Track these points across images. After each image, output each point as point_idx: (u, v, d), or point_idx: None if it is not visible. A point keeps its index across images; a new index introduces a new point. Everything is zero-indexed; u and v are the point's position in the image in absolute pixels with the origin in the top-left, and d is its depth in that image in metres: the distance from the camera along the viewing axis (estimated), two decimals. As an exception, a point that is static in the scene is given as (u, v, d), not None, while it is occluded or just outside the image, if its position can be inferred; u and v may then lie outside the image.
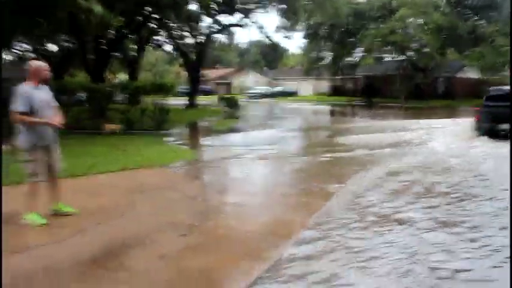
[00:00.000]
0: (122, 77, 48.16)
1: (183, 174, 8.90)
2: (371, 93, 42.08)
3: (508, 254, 4.25)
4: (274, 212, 6.17)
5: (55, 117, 5.45)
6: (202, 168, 9.80)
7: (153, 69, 73.25)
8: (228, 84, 71.70)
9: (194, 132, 18.41)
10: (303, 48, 49.93)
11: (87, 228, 5.22)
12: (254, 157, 10.67)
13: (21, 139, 5.28)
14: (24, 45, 40.65)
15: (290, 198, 6.87)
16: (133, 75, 32.85)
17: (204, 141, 15.02)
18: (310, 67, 49.05)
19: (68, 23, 20.86)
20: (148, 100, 16.84)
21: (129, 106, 16.71)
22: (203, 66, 34.80)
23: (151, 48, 42.99)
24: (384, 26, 37.73)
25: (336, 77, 52.46)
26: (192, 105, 30.73)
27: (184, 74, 51.39)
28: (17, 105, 5.11)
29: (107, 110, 18.07)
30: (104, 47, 22.41)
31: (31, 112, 5.18)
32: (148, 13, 22.81)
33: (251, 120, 23.27)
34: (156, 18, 25.90)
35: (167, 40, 35.51)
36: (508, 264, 4.04)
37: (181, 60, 42.75)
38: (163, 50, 45.45)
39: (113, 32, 18.69)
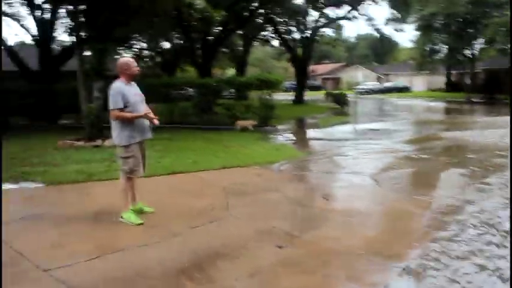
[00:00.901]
0: (231, 72, 49.30)
1: (286, 174, 8.33)
2: (493, 89, 38.00)
3: None
4: (385, 223, 5.38)
5: (149, 112, 5.24)
6: (307, 168, 9.13)
7: (261, 64, 74.10)
8: (336, 80, 70.37)
9: (300, 128, 17.74)
10: (415, 41, 46.74)
11: (178, 231, 4.87)
12: (365, 157, 9.82)
13: (117, 135, 5.12)
14: (142, 44, 43.14)
15: (405, 206, 5.98)
16: (240, 71, 33.12)
17: (311, 138, 14.38)
18: (423, 61, 45.67)
19: (177, 20, 21.46)
20: (255, 95, 16.62)
21: (235, 101, 16.62)
22: (311, 61, 34.08)
23: (258, 43, 43.38)
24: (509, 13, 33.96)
25: (452, 72, 48.66)
26: (299, 100, 30.24)
27: (292, 69, 51.37)
28: (115, 103, 4.97)
29: (213, 105, 18.26)
30: (211, 42, 22.73)
31: (126, 108, 5.04)
32: (254, 8, 22.65)
33: (360, 117, 22.12)
34: (262, 13, 25.77)
35: (274, 35, 35.44)
36: None
37: (289, 55, 42.49)
38: (270, 45, 45.59)
39: (219, 28, 18.64)
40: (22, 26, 21.39)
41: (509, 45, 34.49)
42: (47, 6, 19.00)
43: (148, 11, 19.05)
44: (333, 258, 4.22)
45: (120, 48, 40.28)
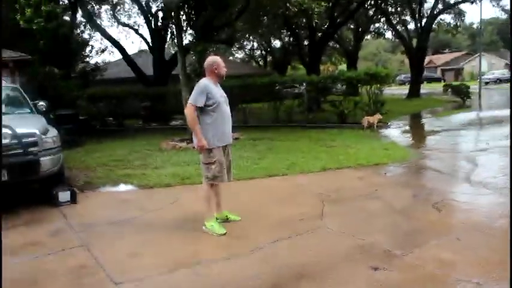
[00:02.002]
0: (344, 68, 48.09)
1: (393, 178, 7.47)
2: None
3: None
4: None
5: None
6: (418, 171, 8.09)
7: (374, 58, 71.54)
8: (457, 70, 65.35)
9: (413, 125, 16.30)
10: None
11: (263, 244, 4.39)
12: (492, 161, 8.56)
13: (206, 138, 4.73)
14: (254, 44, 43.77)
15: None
16: (352, 66, 31.94)
17: (424, 136, 13.02)
18: None
19: (283, 18, 21.16)
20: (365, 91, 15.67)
21: (344, 97, 15.80)
22: (427, 51, 31.75)
23: (371, 36, 41.69)
24: None
25: None
26: (414, 94, 28.30)
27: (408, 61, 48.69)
28: (195, 99, 4.63)
29: (322, 103, 17.61)
30: (317, 39, 22.12)
31: (210, 106, 4.67)
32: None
33: (486, 110, 19.86)
34: (372, 4, 24.48)
35: (387, 26, 33.68)
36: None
37: (403, 47, 40.17)
38: (384, 38, 43.54)
39: (324, 21, 17.87)
40: (139, 34, 22.73)
41: None
42: (160, 14, 19.91)
43: (253, 10, 19.10)
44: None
45: (232, 49, 41.40)
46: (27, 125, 6.17)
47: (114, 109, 18.37)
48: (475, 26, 76.12)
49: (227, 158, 4.95)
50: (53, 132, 6.41)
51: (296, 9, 10.43)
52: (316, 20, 15.30)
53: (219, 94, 4.80)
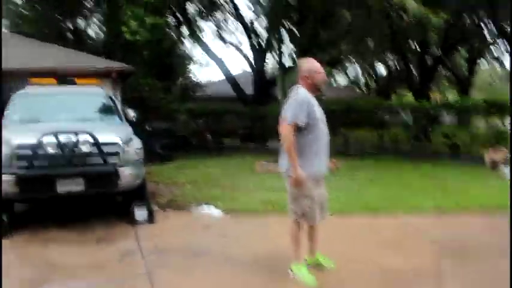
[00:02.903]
0: (451, 96, 44.78)
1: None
2: None
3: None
4: None
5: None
6: None
7: (488, 88, 66.42)
8: None
9: None
10: None
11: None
12: None
13: (288, 163, 3.80)
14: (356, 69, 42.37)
15: None
16: (464, 93, 29.39)
17: None
18: None
19: (391, 38, 19.84)
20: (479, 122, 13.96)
21: (456, 128, 14.18)
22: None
23: (486, 62, 38.37)
24: None
25: None
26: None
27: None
28: (295, 115, 3.67)
29: (430, 132, 16.00)
30: (428, 63, 20.50)
31: (308, 127, 3.74)
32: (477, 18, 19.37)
33: None
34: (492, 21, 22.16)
35: (507, 50, 30.67)
36: None
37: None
38: (501, 65, 39.90)
39: (435, 40, 16.19)
40: (241, 53, 22.69)
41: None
42: (263, 33, 19.68)
43: (359, 28, 18.09)
44: None
45: (335, 72, 40.43)
46: (111, 132, 5.76)
47: (213, 126, 18.23)
48: None
49: (320, 191, 3.98)
50: (137, 143, 5.94)
51: (410, 20, 9.23)
52: (433, 35, 13.82)
53: (319, 111, 3.89)
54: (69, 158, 5.14)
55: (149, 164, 10.85)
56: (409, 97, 35.93)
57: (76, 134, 5.19)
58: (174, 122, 15.57)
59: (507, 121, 13.46)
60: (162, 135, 12.92)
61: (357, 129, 15.96)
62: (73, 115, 6.33)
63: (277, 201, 6.73)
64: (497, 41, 27.07)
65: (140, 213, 5.53)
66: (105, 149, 5.33)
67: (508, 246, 4.75)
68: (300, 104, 3.71)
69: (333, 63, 25.29)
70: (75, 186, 5.18)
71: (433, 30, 11.63)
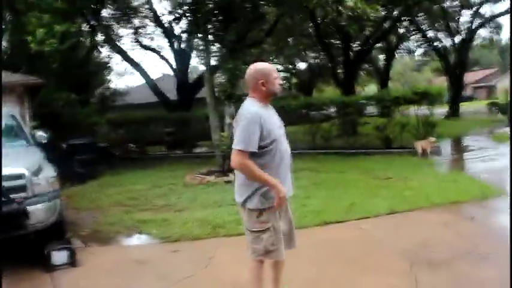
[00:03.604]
0: (370, 88, 46.29)
1: (486, 225, 5.71)
2: None
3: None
4: None
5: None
6: None
7: (401, 78, 69.51)
8: (490, 88, 62.68)
9: (472, 150, 13.74)
10: None
11: None
12: None
13: (246, 192, 3.06)
14: (278, 66, 42.63)
15: None
16: (383, 86, 30.31)
17: (494, 165, 10.46)
18: None
19: (317, 36, 19.83)
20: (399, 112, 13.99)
21: (384, 120, 14.14)
22: (465, 69, 29.88)
23: (400, 54, 40.01)
24: None
25: None
26: (453, 114, 26.40)
27: (437, 80, 46.62)
28: (247, 140, 2.93)
29: (358, 125, 15.97)
30: (352, 57, 20.74)
31: (265, 148, 3.01)
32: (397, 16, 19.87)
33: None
34: (405, 19, 22.91)
35: (418, 44, 32.05)
36: None
37: (433, 66, 38.29)
38: (413, 56, 41.83)
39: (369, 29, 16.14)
40: (162, 57, 21.59)
41: None
42: (184, 36, 18.81)
43: (284, 28, 17.81)
44: None
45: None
46: (15, 162, 4.72)
47: (136, 135, 17.10)
48: (503, 41, 73.58)
49: (286, 218, 3.26)
50: (48, 171, 4.93)
51: (349, 14, 8.87)
52: (369, 29, 13.73)
53: (276, 125, 3.14)
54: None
55: (68, 186, 9.76)
56: (329, 92, 36.62)
57: (-32, 168, 4.17)
58: (94, 136, 14.28)
59: (435, 110, 13.68)
60: (82, 151, 11.68)
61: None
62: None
63: (217, 221, 6.02)
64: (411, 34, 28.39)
65: (58, 256, 4.55)
66: (7, 183, 4.32)
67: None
68: (251, 126, 2.93)
69: (255, 62, 24.87)
70: (-30, 231, 4.14)
71: (369, 24, 11.42)
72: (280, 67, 42.10)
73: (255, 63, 3.20)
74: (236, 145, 2.94)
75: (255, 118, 2.94)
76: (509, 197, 5.26)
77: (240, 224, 5.76)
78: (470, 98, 57.15)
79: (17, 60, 14.87)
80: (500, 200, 6.72)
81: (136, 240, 5.77)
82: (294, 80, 43.39)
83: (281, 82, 3.26)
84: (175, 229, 5.77)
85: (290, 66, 38.50)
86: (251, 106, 3.04)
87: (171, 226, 5.95)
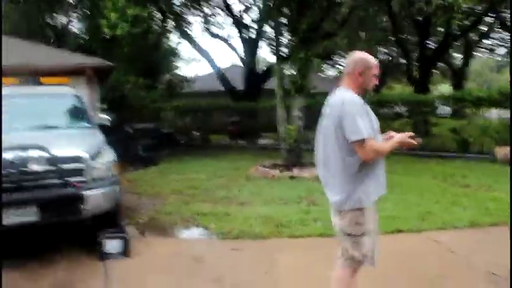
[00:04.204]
0: (443, 88, 44.02)
1: None
2: None
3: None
4: None
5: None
6: None
7: (478, 79, 65.89)
8: None
9: None
10: None
11: None
12: None
13: (349, 192, 2.70)
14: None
15: None
16: (458, 86, 28.64)
17: None
18: None
19: (392, 30, 18.93)
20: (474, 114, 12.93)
21: (461, 121, 13.15)
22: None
23: (478, 54, 37.62)
24: None
25: None
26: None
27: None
28: (364, 128, 2.61)
29: (431, 125, 14.99)
30: (429, 54, 19.57)
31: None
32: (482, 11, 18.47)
33: None
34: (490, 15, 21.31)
35: (502, 43, 29.88)
36: None
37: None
38: (494, 55, 39.18)
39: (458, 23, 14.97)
40: (231, 46, 21.46)
41: None
42: (254, 25, 18.57)
43: (357, 20, 17.02)
44: None
45: (323, 65, 39.59)
46: (73, 144, 4.56)
47: (201, 123, 17.08)
48: None
49: (375, 221, 2.86)
50: (108, 155, 4.73)
51: (440, 2, 8.11)
52: (457, 22, 12.74)
53: (375, 118, 2.83)
54: (17, 180, 3.96)
55: (131, 170, 9.76)
56: (398, 89, 35.11)
57: (25, 149, 4.01)
58: (159, 122, 14.34)
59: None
60: (146, 136, 11.71)
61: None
62: (31, 122, 5.13)
63: (281, 220, 5.60)
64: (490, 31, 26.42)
65: (111, 245, 4.33)
66: (65, 166, 4.14)
67: None
68: (362, 111, 2.66)
69: (325, 56, 24.20)
70: (27, 215, 3.99)
71: (460, 16, 10.48)
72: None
73: (355, 52, 2.90)
74: (357, 135, 2.59)
75: (364, 107, 2.69)
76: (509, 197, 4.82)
77: (305, 225, 5.38)
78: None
79: (92, 44, 15.22)
80: None
81: (194, 233, 5.49)
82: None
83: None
84: (236, 225, 5.43)
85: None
86: (351, 95, 2.71)
87: (231, 221, 5.62)
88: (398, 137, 2.75)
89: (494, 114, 13.38)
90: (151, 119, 14.01)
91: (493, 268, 4.11)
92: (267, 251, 4.62)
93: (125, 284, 3.85)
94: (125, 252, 4.39)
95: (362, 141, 2.58)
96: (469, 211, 6.09)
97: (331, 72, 47.54)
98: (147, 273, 4.07)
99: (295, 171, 8.95)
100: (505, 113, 12.34)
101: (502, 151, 11.07)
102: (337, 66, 43.89)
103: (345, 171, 2.67)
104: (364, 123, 2.61)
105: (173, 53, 20.73)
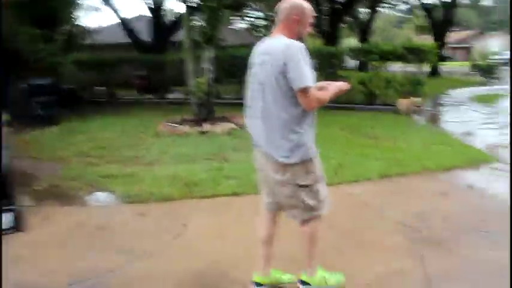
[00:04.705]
0: (351, 42, 45.37)
1: (487, 196, 5.17)
2: None
3: None
4: None
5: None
6: None
7: (382, 33, 68.66)
8: (467, 49, 62.60)
9: (460, 110, 13.03)
10: None
11: None
12: None
13: (297, 144, 2.56)
14: (257, 13, 41.36)
15: None
16: (364, 40, 29.57)
17: (485, 127, 9.94)
18: None
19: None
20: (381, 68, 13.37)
21: (368, 74, 13.49)
22: (449, 28, 29.27)
23: (383, 9, 39.07)
24: None
25: None
26: (434, 73, 25.96)
27: (416, 39, 46.04)
28: (308, 76, 2.45)
29: (339, 78, 15.29)
30: (338, 8, 19.86)
31: None
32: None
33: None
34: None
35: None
36: None
37: (415, 22, 37.66)
38: (396, 11, 40.90)
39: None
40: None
41: None
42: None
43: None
44: None
45: (233, 17, 38.92)
46: None
47: (106, 78, 16.03)
48: (484, 3, 73.11)
49: None
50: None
51: None
52: None
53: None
54: None
55: (27, 131, 8.90)
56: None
57: None
58: (58, 76, 13.18)
59: (424, 68, 13.13)
60: (42, 92, 10.70)
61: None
62: None
63: (190, 178, 5.36)
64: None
65: (3, 219, 3.83)
66: None
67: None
68: (305, 59, 2.47)
69: (236, 7, 23.61)
70: None
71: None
72: (261, 14, 40.94)
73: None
74: (303, 83, 2.43)
75: (304, 50, 2.47)
76: (509, 192, 4.69)
77: (218, 184, 5.17)
78: (449, 58, 57.00)
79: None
80: (493, 166, 6.28)
81: (99, 199, 5.07)
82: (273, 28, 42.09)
83: (311, 29, 2.73)
84: (144, 186, 5.08)
85: (271, 13, 37.26)
86: (292, 41, 2.51)
87: (139, 183, 5.25)
88: (337, 85, 2.65)
89: (398, 68, 13.87)
90: (50, 74, 12.83)
91: (406, 218, 4.20)
92: (177, 213, 4.36)
93: (18, 263, 3.40)
94: (18, 226, 3.90)
95: (306, 90, 2.43)
96: (379, 162, 6.23)
97: (240, 24, 47.05)
98: (44, 247, 3.65)
99: (207, 127, 8.67)
100: (407, 67, 12.82)
101: (404, 103, 11.59)
102: (247, 18, 43.59)
103: (289, 122, 2.52)
104: (308, 70, 2.46)
105: (73, 1, 19.04)
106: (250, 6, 35.87)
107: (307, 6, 2.63)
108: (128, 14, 42.59)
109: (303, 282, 2.86)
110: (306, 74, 2.43)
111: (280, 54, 2.45)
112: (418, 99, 11.76)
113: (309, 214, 2.71)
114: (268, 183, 2.77)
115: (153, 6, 18.47)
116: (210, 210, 4.43)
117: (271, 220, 2.87)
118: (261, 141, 2.65)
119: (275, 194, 2.75)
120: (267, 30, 42.65)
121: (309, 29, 2.69)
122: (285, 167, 2.58)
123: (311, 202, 2.67)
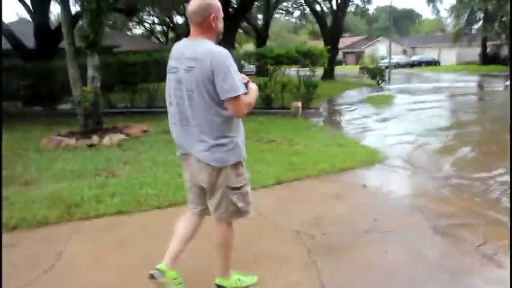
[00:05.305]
0: (248, 47, 46.01)
1: (381, 194, 5.27)
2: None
3: None
4: None
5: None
6: (410, 178, 6.00)
7: (277, 38, 70.54)
8: (358, 54, 66.41)
9: (352, 112, 13.79)
10: (451, 8, 42.00)
11: None
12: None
13: (228, 147, 2.59)
14: (154, 19, 40.52)
15: None
16: (262, 45, 30.12)
17: (378, 126, 10.56)
18: (460, 33, 40.47)
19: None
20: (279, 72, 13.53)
21: (265, 78, 13.56)
22: (340, 33, 30.72)
23: (279, 15, 40.22)
24: None
25: (490, 43, 44.46)
26: (328, 76, 27.03)
27: (310, 44, 47.99)
28: (240, 82, 2.47)
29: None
30: (232, 13, 19.83)
31: None
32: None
33: (409, 93, 18.86)
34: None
35: (298, 6, 32.37)
36: None
37: (309, 28, 39.11)
38: (292, 17, 42.28)
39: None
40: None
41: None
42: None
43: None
44: None
45: (131, 22, 37.78)
46: None
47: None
48: (371, 11, 78.17)
49: None
50: None
51: None
52: None
53: None
54: None
55: None
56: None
57: None
58: None
59: (317, 70, 13.47)
60: None
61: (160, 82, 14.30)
62: None
63: (73, 198, 4.82)
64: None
65: None
66: None
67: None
68: (233, 63, 2.47)
69: (128, 12, 22.78)
70: None
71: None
72: (156, 20, 40.11)
73: None
74: (234, 92, 2.42)
75: (230, 56, 2.46)
76: (509, 189, 4.88)
77: (100, 202, 4.69)
78: (340, 62, 60.05)
79: None
80: (387, 165, 6.50)
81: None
82: (171, 35, 41.65)
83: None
84: (15, 212, 4.45)
85: (167, 19, 36.86)
86: (218, 47, 2.48)
87: (10, 207, 4.60)
88: (255, 86, 2.70)
89: (293, 71, 14.09)
90: None
91: (301, 226, 4.07)
92: (53, 240, 3.84)
93: None
94: None
95: (237, 98, 2.43)
96: (274, 168, 6.13)
97: (137, 30, 45.85)
98: None
99: (95, 139, 8.05)
100: (302, 71, 13.06)
101: (294, 105, 11.78)
102: (145, 24, 42.55)
103: (221, 126, 2.53)
104: (238, 77, 2.46)
105: None
106: (147, 12, 35.08)
107: (217, 1, 2.58)
108: (8, 17, 39.44)
109: (219, 286, 2.87)
110: (236, 83, 2.42)
111: (207, 62, 2.40)
112: (300, 103, 11.95)
113: (237, 216, 2.75)
114: (197, 188, 2.75)
115: (34, 11, 17.03)
116: (89, 234, 3.97)
117: (195, 223, 2.90)
118: (189, 147, 2.61)
119: (204, 199, 2.76)
120: (164, 36, 42.00)
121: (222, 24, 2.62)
122: (218, 170, 2.58)
123: (240, 204, 2.70)
